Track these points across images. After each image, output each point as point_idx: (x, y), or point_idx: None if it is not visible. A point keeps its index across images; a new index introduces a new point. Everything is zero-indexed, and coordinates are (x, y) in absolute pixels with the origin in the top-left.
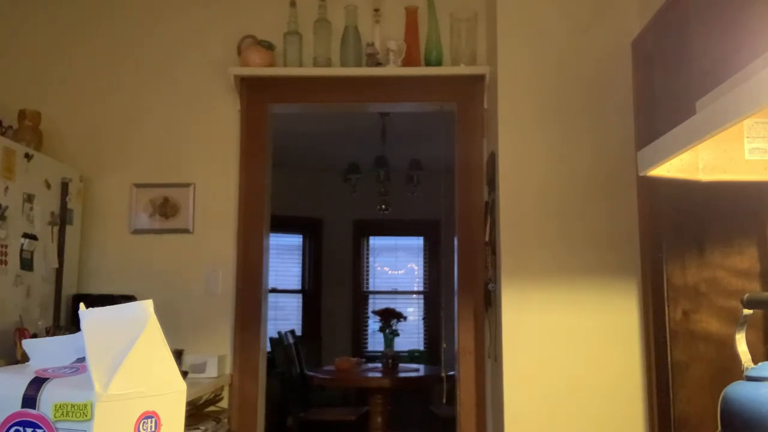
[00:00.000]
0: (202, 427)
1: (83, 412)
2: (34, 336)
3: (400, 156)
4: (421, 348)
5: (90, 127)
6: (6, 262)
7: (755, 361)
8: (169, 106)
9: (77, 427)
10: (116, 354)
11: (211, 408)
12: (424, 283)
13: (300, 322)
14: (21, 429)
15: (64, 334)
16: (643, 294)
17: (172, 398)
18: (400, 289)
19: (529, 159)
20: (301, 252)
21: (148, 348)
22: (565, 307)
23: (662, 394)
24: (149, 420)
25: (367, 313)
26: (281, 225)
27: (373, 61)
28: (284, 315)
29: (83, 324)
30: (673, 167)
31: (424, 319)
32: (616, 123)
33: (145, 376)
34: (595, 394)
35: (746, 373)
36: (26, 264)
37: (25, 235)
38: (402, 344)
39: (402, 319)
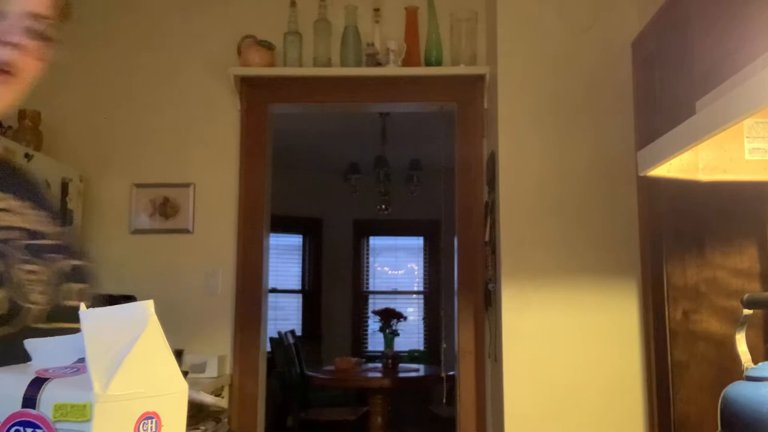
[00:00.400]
0: (202, 427)
1: (82, 412)
2: None
3: (400, 156)
4: (421, 348)
5: (90, 127)
6: None
7: (755, 361)
8: (170, 106)
9: (76, 427)
10: (116, 354)
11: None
12: (424, 283)
13: (300, 322)
14: (21, 429)
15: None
16: (643, 294)
17: (173, 399)
18: (400, 289)
19: (528, 159)
20: (301, 252)
21: (148, 348)
22: (565, 307)
23: (662, 394)
24: (150, 421)
25: (367, 313)
26: (281, 225)
27: (373, 61)
28: (284, 315)
29: (83, 324)
30: (673, 167)
31: (424, 319)
32: (616, 123)
33: (145, 376)
34: (594, 394)
35: (746, 373)
36: None
37: None
38: (402, 344)
39: (402, 319)
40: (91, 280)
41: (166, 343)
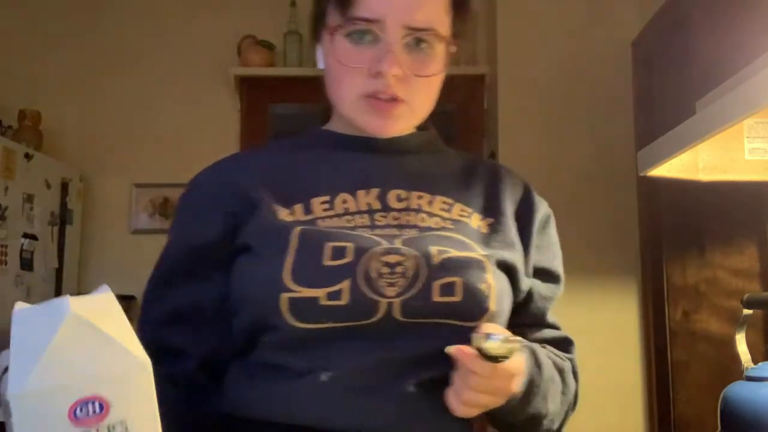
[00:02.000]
0: None
1: (8, 409)
2: None
3: None
4: None
5: (90, 127)
6: (6, 262)
7: (755, 361)
8: (170, 106)
9: (10, 420)
10: (35, 352)
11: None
12: None
13: None
14: None
15: None
16: (643, 294)
17: (122, 379)
18: None
19: (528, 159)
20: None
21: (73, 341)
22: (565, 307)
23: (662, 394)
24: (90, 404)
25: None
26: None
27: None
28: None
29: (13, 323)
30: (673, 167)
31: None
32: (616, 123)
33: (75, 366)
34: (594, 394)
35: (746, 373)
36: (26, 264)
37: (25, 235)
38: None
39: None
40: (467, 271)
41: (101, 330)
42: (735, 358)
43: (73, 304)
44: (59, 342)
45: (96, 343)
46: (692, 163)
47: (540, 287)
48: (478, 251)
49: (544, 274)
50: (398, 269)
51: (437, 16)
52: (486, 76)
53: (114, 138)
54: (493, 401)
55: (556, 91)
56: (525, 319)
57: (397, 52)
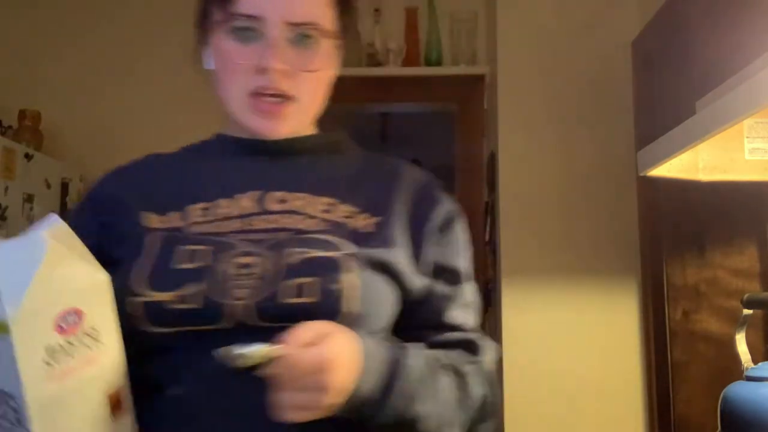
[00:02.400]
0: None
1: (4, 327)
2: None
3: (400, 156)
4: None
5: (90, 127)
6: None
7: (755, 361)
8: (170, 106)
9: (4, 338)
10: (23, 278)
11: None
12: None
13: None
14: None
15: None
16: (643, 294)
17: (89, 293)
18: None
19: (529, 159)
20: None
21: (55, 265)
22: (565, 307)
23: (662, 394)
24: (70, 316)
25: None
26: None
27: (373, 61)
28: None
29: None
30: (673, 167)
31: None
32: (616, 123)
33: (57, 286)
34: (595, 394)
35: (746, 373)
36: None
37: None
38: None
39: None
40: (322, 271)
41: (72, 254)
42: (735, 358)
43: (47, 235)
44: (44, 267)
45: (69, 264)
46: (692, 163)
47: (437, 286)
48: (342, 251)
49: (443, 272)
50: (250, 271)
51: (319, 10)
52: (486, 76)
53: (114, 138)
54: (318, 399)
55: (556, 91)
56: (422, 320)
57: (281, 48)
